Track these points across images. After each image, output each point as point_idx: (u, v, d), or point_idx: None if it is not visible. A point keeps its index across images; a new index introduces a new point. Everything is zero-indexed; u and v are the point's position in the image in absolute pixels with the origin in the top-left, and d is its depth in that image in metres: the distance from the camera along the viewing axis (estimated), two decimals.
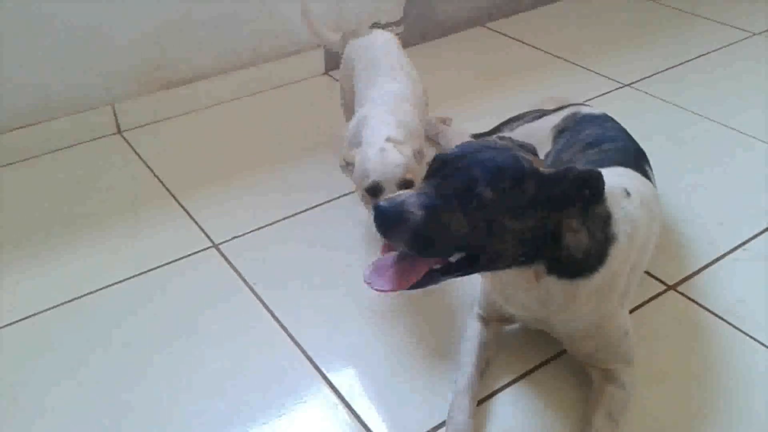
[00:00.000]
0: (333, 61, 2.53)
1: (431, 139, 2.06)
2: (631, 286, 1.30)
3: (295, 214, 1.81)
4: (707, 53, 2.59)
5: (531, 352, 1.40)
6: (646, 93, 2.34)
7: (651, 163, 1.63)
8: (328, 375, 1.37)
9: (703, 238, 1.69)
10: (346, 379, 1.37)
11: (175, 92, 2.27)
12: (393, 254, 1.15)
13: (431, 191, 1.10)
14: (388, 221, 1.08)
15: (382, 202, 1.09)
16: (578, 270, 1.17)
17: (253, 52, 2.37)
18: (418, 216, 1.07)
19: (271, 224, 1.78)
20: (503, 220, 1.09)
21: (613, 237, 1.20)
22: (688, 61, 2.54)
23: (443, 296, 1.53)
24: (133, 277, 1.62)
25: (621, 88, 2.38)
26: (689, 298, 1.52)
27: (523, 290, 1.20)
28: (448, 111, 2.17)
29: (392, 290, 1.13)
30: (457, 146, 1.16)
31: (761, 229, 1.71)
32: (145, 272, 1.63)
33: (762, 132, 2.09)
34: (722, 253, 1.64)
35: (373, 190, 1.44)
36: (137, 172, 2.01)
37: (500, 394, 1.32)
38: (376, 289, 1.13)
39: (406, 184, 1.41)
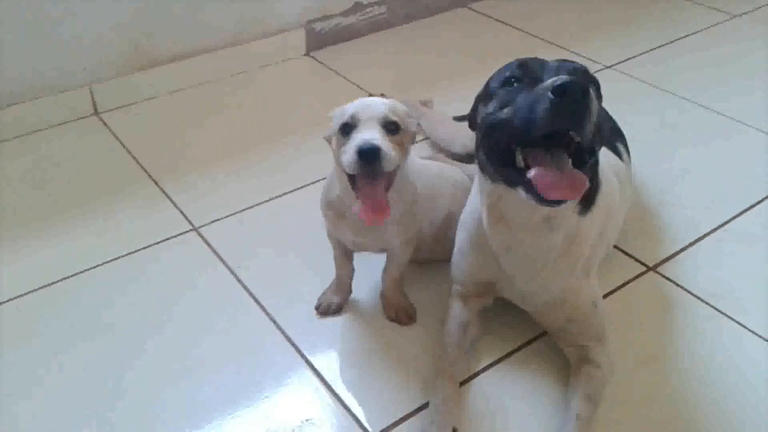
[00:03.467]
0: (315, 41, 2.51)
1: None
2: (596, 256, 1.30)
3: (277, 196, 1.80)
4: (688, 35, 2.60)
5: (512, 333, 1.40)
6: (628, 75, 2.35)
7: (631, 144, 1.65)
8: (310, 358, 1.37)
9: (684, 220, 1.70)
10: (328, 361, 1.36)
11: (154, 73, 2.24)
12: (542, 170, 1.03)
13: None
14: (579, 98, 0.96)
15: (561, 79, 0.97)
16: (587, 203, 1.19)
17: (234, 32, 2.33)
18: (594, 97, 1.00)
19: (252, 207, 1.76)
20: (599, 117, 1.07)
21: (599, 183, 1.22)
22: (669, 43, 2.55)
23: (426, 277, 1.53)
24: (112, 260, 1.60)
25: (603, 69, 2.38)
26: (669, 280, 1.53)
27: (534, 234, 1.17)
28: (430, 93, 2.16)
29: (573, 197, 1.03)
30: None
31: (741, 210, 1.72)
32: (124, 256, 1.62)
33: (743, 115, 2.10)
34: (703, 234, 1.65)
35: (347, 127, 1.20)
36: (115, 155, 1.98)
37: (482, 375, 1.33)
38: (555, 199, 1.01)
39: (391, 126, 1.20)
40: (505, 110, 1.08)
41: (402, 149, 1.21)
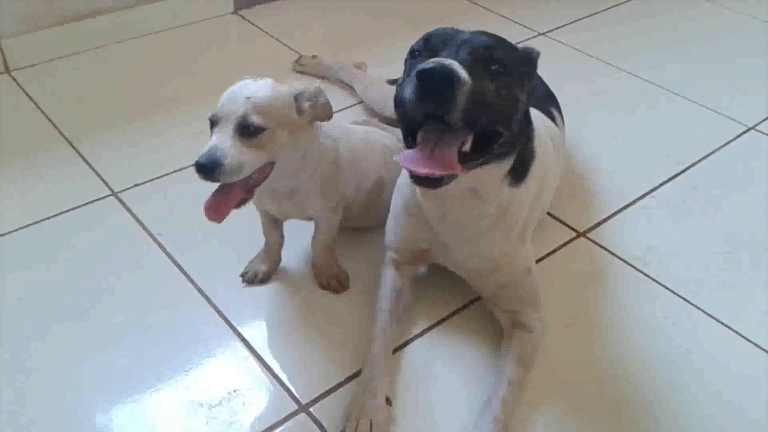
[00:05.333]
0: None
1: (346, 83, 2.00)
2: (531, 221, 1.30)
3: None
4: (618, 4, 2.62)
5: (444, 300, 1.39)
6: (560, 42, 2.35)
7: (563, 110, 1.64)
8: (238, 328, 1.32)
9: (612, 187, 1.72)
10: (257, 331, 1.32)
11: (71, 28, 2.10)
12: (416, 149, 1.03)
13: (450, 57, 1.00)
14: (441, 84, 0.95)
15: (429, 63, 0.96)
16: (519, 174, 1.18)
17: None
18: (468, 79, 0.97)
19: (175, 172, 1.68)
20: (515, 90, 1.05)
21: (534, 153, 1.22)
22: (600, 11, 2.57)
23: (358, 245, 1.50)
24: (25, 227, 1.51)
25: (536, 36, 2.38)
26: (598, 245, 1.55)
27: (463, 204, 1.17)
28: (364, 55, 2.11)
29: (433, 174, 1.00)
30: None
31: (668, 177, 1.75)
32: (38, 222, 1.52)
33: (670, 83, 2.14)
34: (631, 200, 1.68)
35: (211, 123, 1.14)
36: (28, 115, 1.86)
37: (415, 342, 1.31)
38: (420, 173, 1.00)
39: (248, 129, 1.11)
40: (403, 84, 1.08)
41: (265, 151, 1.12)
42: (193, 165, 1.09)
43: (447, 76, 0.96)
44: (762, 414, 1.21)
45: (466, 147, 1.05)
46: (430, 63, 0.97)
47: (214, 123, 1.13)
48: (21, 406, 1.17)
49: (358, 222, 1.47)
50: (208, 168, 1.08)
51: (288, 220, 1.40)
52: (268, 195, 1.27)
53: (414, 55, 1.10)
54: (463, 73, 0.97)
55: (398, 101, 1.07)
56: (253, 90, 1.14)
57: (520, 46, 1.15)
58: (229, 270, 1.43)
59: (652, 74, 2.18)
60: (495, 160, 1.11)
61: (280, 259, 1.43)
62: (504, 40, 1.11)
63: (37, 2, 2.02)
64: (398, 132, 1.66)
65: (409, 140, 1.10)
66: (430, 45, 1.08)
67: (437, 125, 1.04)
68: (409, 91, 0.99)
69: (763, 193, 1.72)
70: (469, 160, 1.06)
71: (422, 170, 1.00)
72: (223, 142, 1.10)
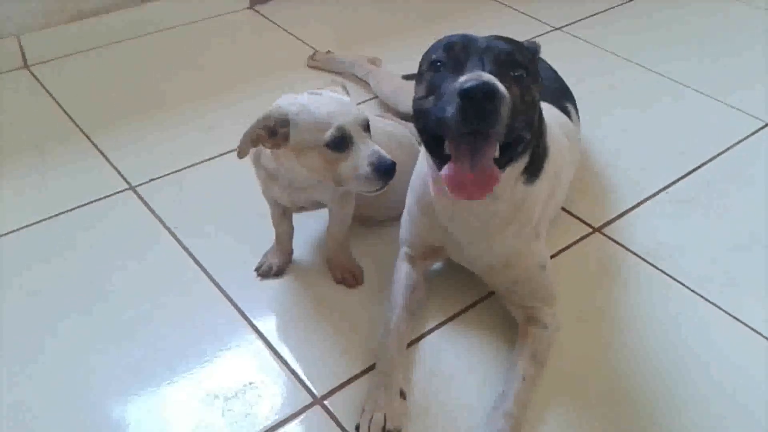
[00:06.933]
0: None
1: (360, 79, 2.00)
2: (546, 217, 1.30)
3: (217, 156, 1.73)
4: None
5: (458, 295, 1.39)
6: (576, 36, 2.34)
7: (578, 105, 1.64)
8: (254, 321, 1.33)
9: (627, 182, 1.71)
10: (272, 324, 1.33)
11: (88, 24, 2.12)
12: (454, 166, 1.04)
13: (478, 68, 1.00)
14: (485, 101, 0.95)
15: (470, 81, 0.95)
16: (533, 172, 1.19)
17: None
18: (506, 93, 0.98)
19: (191, 166, 1.70)
20: (533, 91, 1.07)
21: (547, 149, 1.22)
22: (616, 6, 2.55)
23: (371, 240, 1.50)
24: (43, 220, 1.52)
25: (552, 31, 2.37)
26: (613, 240, 1.54)
27: (477, 204, 1.17)
28: (379, 51, 2.11)
29: (480, 196, 1.04)
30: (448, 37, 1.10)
31: (683, 173, 1.74)
32: (55, 215, 1.54)
33: (686, 78, 2.12)
34: (645, 196, 1.67)
35: (339, 142, 1.16)
36: (46, 109, 1.88)
37: (429, 337, 1.32)
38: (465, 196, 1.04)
39: (368, 127, 1.20)
40: (430, 99, 1.07)
41: None
42: (377, 172, 1.16)
43: (490, 94, 0.96)
44: None
45: (497, 153, 1.06)
46: (471, 81, 0.96)
47: (345, 139, 1.17)
48: (35, 399, 1.18)
49: (368, 212, 1.47)
50: (394, 168, 1.17)
51: (300, 214, 1.41)
52: (281, 183, 1.29)
53: (436, 66, 1.08)
54: (502, 87, 0.98)
55: (432, 118, 1.05)
56: (338, 97, 1.23)
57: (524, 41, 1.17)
58: (245, 263, 1.44)
59: (668, 69, 2.16)
60: (523, 153, 1.13)
61: (291, 251, 1.44)
62: (517, 42, 1.12)
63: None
64: (411, 126, 1.67)
65: (435, 150, 1.10)
66: (453, 55, 1.07)
67: (468, 137, 1.03)
68: (451, 110, 0.98)
69: None
70: (499, 165, 1.07)
71: (471, 196, 1.03)
72: (376, 146, 1.18)
